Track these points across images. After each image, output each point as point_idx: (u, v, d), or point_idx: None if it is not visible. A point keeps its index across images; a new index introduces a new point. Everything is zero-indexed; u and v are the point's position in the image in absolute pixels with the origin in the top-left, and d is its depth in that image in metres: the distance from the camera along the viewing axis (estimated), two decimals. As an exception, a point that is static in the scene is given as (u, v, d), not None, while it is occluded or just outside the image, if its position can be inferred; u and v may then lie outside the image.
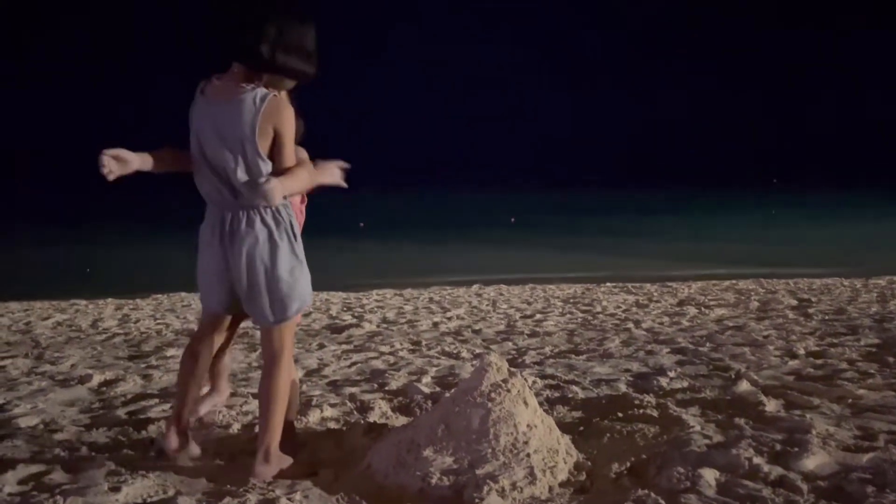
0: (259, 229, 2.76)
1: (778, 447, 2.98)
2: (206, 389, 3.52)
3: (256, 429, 3.48)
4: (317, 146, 3.19)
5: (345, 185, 2.98)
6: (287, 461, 2.89)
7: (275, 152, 2.72)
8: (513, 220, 23.78)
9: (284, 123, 2.71)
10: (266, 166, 2.71)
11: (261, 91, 2.70)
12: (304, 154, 3.00)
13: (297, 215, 3.07)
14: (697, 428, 3.25)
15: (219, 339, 3.04)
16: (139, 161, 2.75)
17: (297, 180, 2.75)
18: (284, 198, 2.76)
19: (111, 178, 2.69)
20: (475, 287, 10.62)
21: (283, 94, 2.78)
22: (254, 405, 3.87)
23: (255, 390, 4.23)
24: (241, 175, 2.72)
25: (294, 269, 2.81)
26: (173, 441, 2.97)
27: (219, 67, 2.81)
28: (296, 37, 2.72)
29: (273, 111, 2.69)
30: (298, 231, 2.88)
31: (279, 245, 2.78)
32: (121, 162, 2.70)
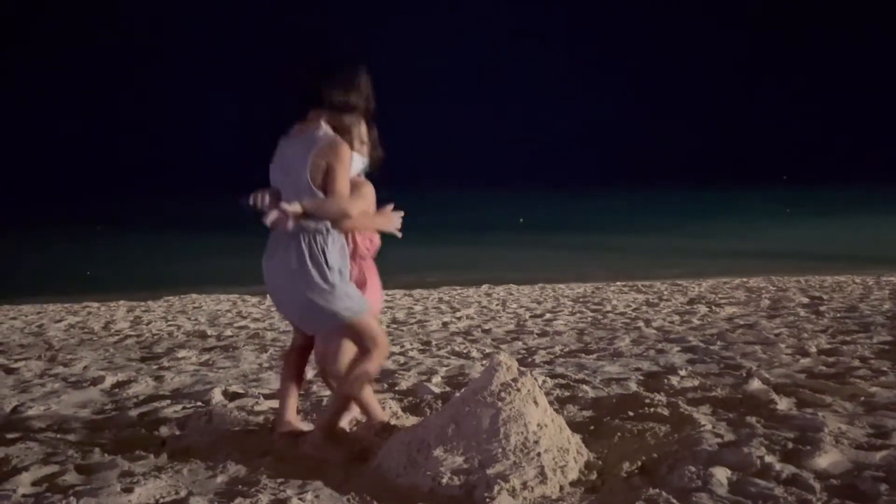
0: (289, 255, 3.02)
1: (790, 445, 2.96)
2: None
3: (270, 428, 3.51)
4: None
5: (399, 234, 3.29)
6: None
7: (327, 185, 2.98)
8: (521, 220, 23.76)
9: (337, 160, 2.98)
10: (314, 196, 2.98)
11: (322, 130, 3.04)
12: (369, 191, 3.25)
13: (363, 242, 3.29)
14: (709, 426, 3.24)
15: (308, 347, 3.34)
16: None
17: (328, 210, 2.99)
18: (326, 228, 3.02)
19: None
20: (485, 287, 10.61)
21: (354, 130, 3.18)
22: (265, 406, 3.89)
23: (266, 391, 4.25)
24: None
25: (323, 294, 3.00)
26: (277, 440, 3.22)
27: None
28: (349, 78, 3.15)
29: (327, 148, 2.99)
30: (336, 259, 3.05)
31: (306, 272, 3.00)
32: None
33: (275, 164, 3.15)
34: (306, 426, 3.32)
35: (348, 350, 3.22)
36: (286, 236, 3.02)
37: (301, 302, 3.03)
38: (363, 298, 3.13)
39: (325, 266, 3.01)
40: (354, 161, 3.18)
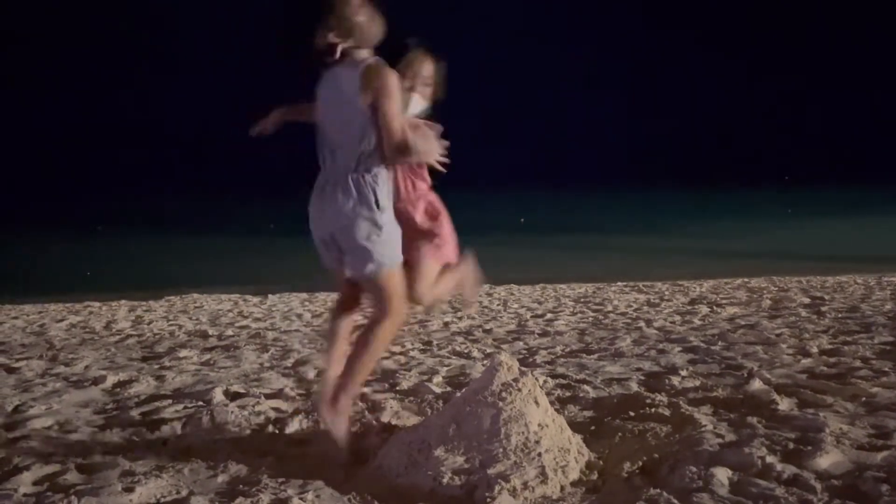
0: (343, 197, 2.95)
1: (791, 446, 2.96)
2: None
3: (271, 428, 3.50)
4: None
5: (441, 168, 3.11)
6: (342, 428, 3.02)
7: (378, 113, 2.88)
8: (522, 220, 23.75)
9: (384, 86, 2.88)
10: (370, 128, 2.91)
11: (364, 55, 2.96)
12: (419, 125, 3.15)
13: (404, 184, 3.22)
14: (710, 427, 3.23)
15: (354, 303, 3.22)
16: (283, 115, 3.27)
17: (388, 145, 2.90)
18: (371, 168, 2.93)
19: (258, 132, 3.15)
20: (485, 287, 10.61)
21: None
22: (267, 405, 3.89)
23: (266, 391, 4.26)
24: (349, 138, 2.95)
25: (371, 235, 2.94)
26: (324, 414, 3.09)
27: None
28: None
29: (371, 74, 2.90)
30: (385, 199, 2.97)
31: (358, 213, 2.93)
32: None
33: (322, 97, 3.05)
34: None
35: (428, 274, 3.18)
36: (335, 175, 2.97)
37: (352, 245, 2.95)
38: (400, 253, 3.03)
39: (374, 208, 2.93)
40: (414, 103, 3.12)
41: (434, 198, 3.30)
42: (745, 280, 10.57)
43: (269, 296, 9.94)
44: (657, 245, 17.02)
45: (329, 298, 8.93)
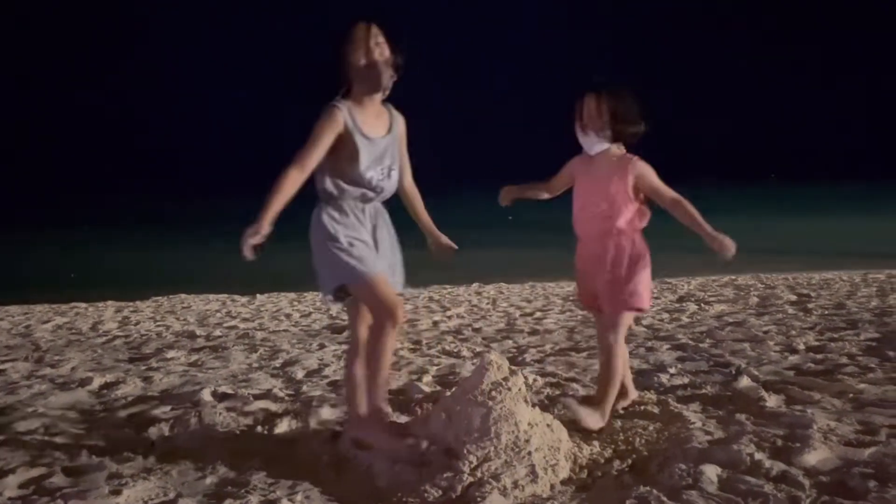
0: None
1: (779, 442, 2.97)
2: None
3: (260, 429, 3.49)
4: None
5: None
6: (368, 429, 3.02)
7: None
8: (510, 217, 23.76)
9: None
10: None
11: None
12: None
13: None
14: (698, 424, 3.25)
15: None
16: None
17: None
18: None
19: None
20: (475, 286, 10.62)
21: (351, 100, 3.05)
22: (255, 406, 3.87)
23: (255, 392, 4.24)
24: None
25: (322, 259, 3.00)
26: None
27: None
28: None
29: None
30: (331, 225, 3.00)
31: (312, 236, 3.02)
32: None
33: None
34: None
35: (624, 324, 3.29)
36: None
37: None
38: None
39: (324, 234, 2.99)
40: None
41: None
42: (733, 277, 10.62)
43: (258, 296, 9.90)
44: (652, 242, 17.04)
45: (317, 297, 8.91)
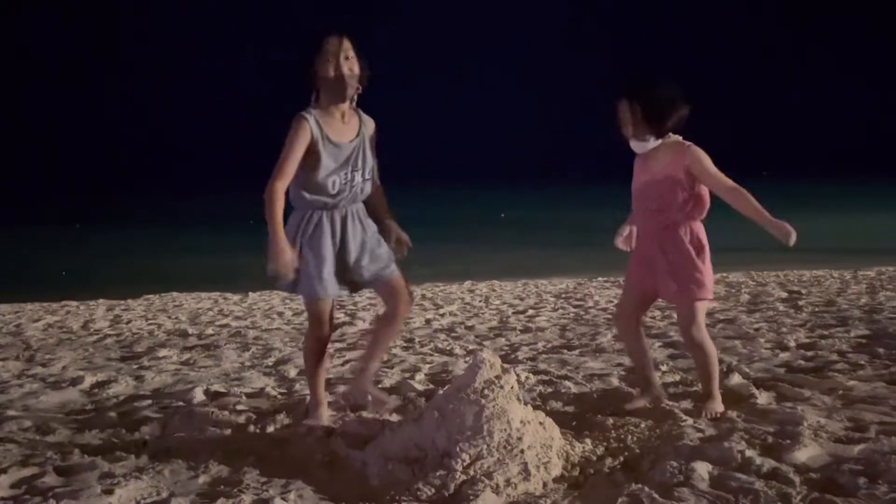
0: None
1: (770, 440, 2.99)
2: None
3: (252, 428, 3.49)
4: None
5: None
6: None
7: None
8: (503, 215, 23.80)
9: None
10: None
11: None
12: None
13: None
14: (690, 421, 3.26)
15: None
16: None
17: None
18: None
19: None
20: (467, 283, 10.62)
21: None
22: (248, 404, 3.87)
23: (247, 390, 4.23)
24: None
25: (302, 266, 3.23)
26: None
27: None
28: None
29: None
30: (293, 234, 3.23)
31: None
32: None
33: None
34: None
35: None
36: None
37: None
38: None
39: (299, 242, 3.25)
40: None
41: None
42: (724, 274, 10.65)
43: (250, 294, 9.88)
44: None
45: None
